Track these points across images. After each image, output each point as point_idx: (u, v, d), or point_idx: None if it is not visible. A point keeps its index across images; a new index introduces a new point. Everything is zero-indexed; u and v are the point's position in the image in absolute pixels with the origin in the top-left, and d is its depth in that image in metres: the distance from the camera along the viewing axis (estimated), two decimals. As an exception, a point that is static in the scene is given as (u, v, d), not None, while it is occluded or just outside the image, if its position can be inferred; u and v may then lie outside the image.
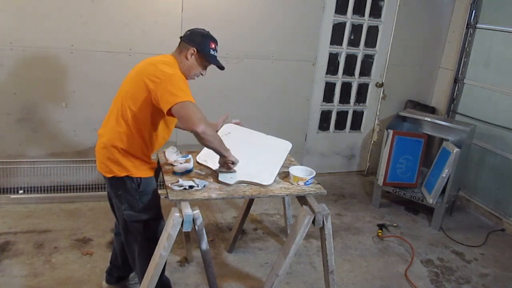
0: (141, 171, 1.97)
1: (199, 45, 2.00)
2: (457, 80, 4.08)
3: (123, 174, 1.94)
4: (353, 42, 4.07)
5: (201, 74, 2.10)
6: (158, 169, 2.37)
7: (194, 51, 2.00)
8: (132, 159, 1.95)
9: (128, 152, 1.93)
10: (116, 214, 2.21)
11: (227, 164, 2.03)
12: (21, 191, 3.30)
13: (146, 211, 2.01)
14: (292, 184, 2.11)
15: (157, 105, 1.84)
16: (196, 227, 1.90)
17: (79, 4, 3.06)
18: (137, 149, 1.95)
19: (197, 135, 1.78)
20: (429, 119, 3.67)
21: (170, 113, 1.78)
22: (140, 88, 1.88)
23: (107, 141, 1.94)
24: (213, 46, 2.05)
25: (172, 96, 1.77)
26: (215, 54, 2.07)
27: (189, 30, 2.08)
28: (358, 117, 4.38)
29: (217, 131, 2.39)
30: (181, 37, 2.07)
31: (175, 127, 2.17)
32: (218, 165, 2.08)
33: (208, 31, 2.09)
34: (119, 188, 1.98)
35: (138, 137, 1.94)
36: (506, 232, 3.52)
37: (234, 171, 2.09)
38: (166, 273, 2.37)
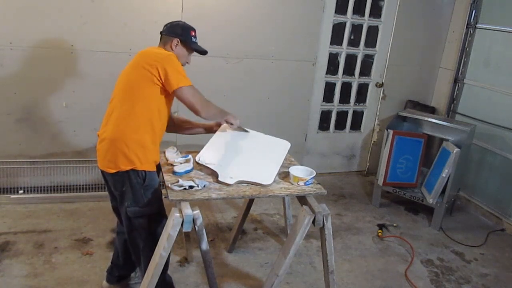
0: (145, 165, 1.99)
1: (181, 35, 2.13)
2: (457, 80, 4.08)
3: (128, 167, 1.95)
4: (353, 42, 4.07)
5: (187, 63, 2.21)
6: (158, 169, 2.37)
7: (177, 42, 2.12)
8: (138, 150, 1.96)
9: (135, 141, 1.95)
10: (117, 213, 2.21)
11: (228, 122, 2.29)
12: (21, 191, 3.30)
13: (150, 205, 2.04)
14: (292, 184, 2.11)
15: (162, 84, 1.96)
16: (196, 227, 1.90)
17: (79, 4, 3.06)
18: (145, 137, 1.98)
19: (201, 117, 2.08)
20: (429, 119, 3.67)
21: (174, 91, 1.97)
22: (142, 75, 1.96)
23: (111, 136, 1.96)
24: (193, 34, 2.18)
25: (174, 79, 1.94)
26: (196, 41, 2.20)
27: (166, 25, 2.19)
28: (358, 117, 4.38)
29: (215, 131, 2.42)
30: (161, 32, 2.18)
31: (167, 131, 2.24)
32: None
33: (184, 22, 2.21)
34: (124, 183, 1.99)
35: (145, 123, 1.98)
36: (506, 232, 3.52)
37: (247, 131, 2.41)
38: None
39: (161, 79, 1.95)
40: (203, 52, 2.22)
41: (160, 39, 2.17)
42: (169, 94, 2.02)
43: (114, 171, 1.97)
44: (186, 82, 1.97)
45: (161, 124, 2.10)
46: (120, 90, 2.03)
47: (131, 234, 2.10)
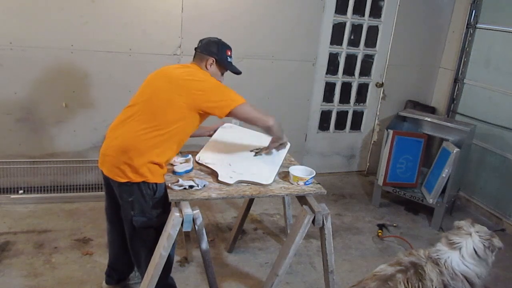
0: (157, 177, 1.94)
1: (217, 54, 2.08)
2: (457, 80, 4.08)
3: (139, 179, 1.89)
4: (353, 42, 4.07)
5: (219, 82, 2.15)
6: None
7: (213, 61, 2.08)
8: (150, 165, 1.90)
9: (151, 156, 1.89)
10: (110, 218, 2.18)
11: (281, 145, 2.24)
12: (21, 191, 3.30)
13: (158, 217, 1.98)
14: (292, 184, 2.11)
15: (207, 113, 1.95)
16: (196, 227, 1.90)
17: (79, 4, 3.06)
18: (164, 154, 1.94)
19: (268, 128, 2.04)
20: (429, 119, 3.67)
21: (227, 115, 1.95)
22: (181, 102, 1.90)
23: (125, 146, 1.89)
24: (229, 53, 2.13)
25: (228, 101, 1.93)
26: (231, 60, 2.15)
27: (202, 41, 2.14)
28: (358, 117, 4.38)
29: (211, 135, 2.41)
30: (196, 48, 2.13)
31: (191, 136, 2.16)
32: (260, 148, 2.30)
33: (220, 39, 2.16)
34: (132, 193, 1.92)
35: (172, 144, 1.95)
36: (506, 232, 3.51)
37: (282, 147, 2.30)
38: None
39: (204, 111, 1.94)
40: (237, 73, 2.18)
41: (195, 55, 2.12)
42: (203, 115, 2.00)
43: (123, 180, 1.90)
44: (241, 100, 1.96)
45: (185, 141, 2.06)
46: (149, 103, 1.94)
47: (134, 243, 2.05)
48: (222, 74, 2.16)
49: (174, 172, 2.10)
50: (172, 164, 2.18)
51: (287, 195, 2.09)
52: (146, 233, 2.00)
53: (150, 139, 1.89)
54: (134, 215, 1.96)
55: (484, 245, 1.92)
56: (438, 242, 2.01)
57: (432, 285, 1.79)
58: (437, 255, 1.90)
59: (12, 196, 3.25)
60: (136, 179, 1.89)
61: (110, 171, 1.93)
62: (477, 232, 1.97)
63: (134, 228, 1.99)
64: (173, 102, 1.91)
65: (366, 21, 4.01)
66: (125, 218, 2.02)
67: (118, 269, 2.35)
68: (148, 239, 2.01)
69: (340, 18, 3.90)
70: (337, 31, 3.95)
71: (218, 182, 2.04)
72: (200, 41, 2.15)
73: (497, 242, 1.97)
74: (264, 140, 2.43)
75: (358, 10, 3.95)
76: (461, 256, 1.89)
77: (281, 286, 2.47)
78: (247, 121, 2.01)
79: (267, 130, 2.09)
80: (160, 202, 1.98)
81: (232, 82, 3.62)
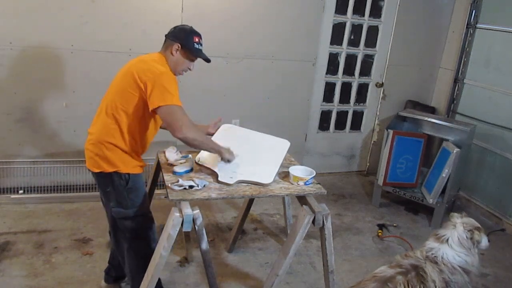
0: (130, 168, 1.99)
1: (182, 40, 2.05)
2: (457, 80, 4.08)
3: (111, 169, 1.96)
4: (353, 42, 4.07)
5: (189, 69, 2.14)
6: (158, 169, 2.37)
7: (178, 47, 2.05)
8: (120, 154, 1.97)
9: (117, 147, 1.96)
10: (106, 214, 2.20)
11: (224, 159, 2.10)
12: (21, 191, 3.30)
13: (134, 207, 2.03)
14: (292, 184, 2.11)
15: (147, 100, 1.91)
16: (196, 227, 1.90)
17: (79, 4, 3.06)
18: (127, 145, 1.98)
19: (180, 139, 1.89)
20: (429, 119, 3.67)
21: (154, 112, 1.88)
22: (132, 86, 1.92)
23: (96, 138, 1.97)
24: (196, 40, 2.09)
25: (161, 97, 1.86)
26: (200, 47, 2.11)
27: (173, 28, 2.13)
28: (358, 117, 4.38)
29: (212, 134, 2.39)
30: (166, 35, 2.12)
31: (160, 127, 2.17)
32: (219, 164, 2.13)
33: (191, 27, 2.14)
34: (107, 184, 2.00)
35: (129, 134, 1.97)
36: (506, 232, 3.51)
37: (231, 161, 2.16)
38: (166, 273, 2.38)
39: (146, 95, 1.89)
40: (206, 60, 2.16)
41: (164, 42, 2.12)
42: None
43: (97, 170, 1.98)
44: (172, 102, 1.86)
45: (147, 134, 2.07)
46: (111, 93, 2.01)
47: (116, 234, 2.12)
48: (192, 61, 2.11)
49: (174, 172, 2.10)
50: (172, 164, 2.18)
51: (287, 195, 2.09)
52: (125, 224, 2.05)
53: (115, 129, 1.95)
54: (112, 206, 2.03)
55: (466, 236, 1.93)
56: (427, 240, 2.01)
57: (435, 286, 1.79)
58: (433, 253, 1.90)
59: (12, 196, 3.25)
60: (108, 168, 1.96)
61: (89, 163, 2.02)
62: (462, 223, 1.97)
63: (114, 220, 2.06)
64: (126, 90, 1.94)
65: (366, 21, 4.01)
66: (107, 210, 2.10)
67: (117, 267, 2.35)
68: (127, 230, 2.06)
69: (340, 18, 3.90)
70: (337, 31, 3.95)
71: (218, 182, 2.04)
72: (172, 28, 2.13)
73: (477, 235, 1.96)
74: (264, 140, 2.43)
75: (358, 10, 3.95)
76: (451, 248, 1.89)
77: (281, 286, 2.47)
78: (164, 122, 1.92)
79: (182, 141, 1.92)
80: (135, 194, 2.03)
81: (232, 82, 3.65)
